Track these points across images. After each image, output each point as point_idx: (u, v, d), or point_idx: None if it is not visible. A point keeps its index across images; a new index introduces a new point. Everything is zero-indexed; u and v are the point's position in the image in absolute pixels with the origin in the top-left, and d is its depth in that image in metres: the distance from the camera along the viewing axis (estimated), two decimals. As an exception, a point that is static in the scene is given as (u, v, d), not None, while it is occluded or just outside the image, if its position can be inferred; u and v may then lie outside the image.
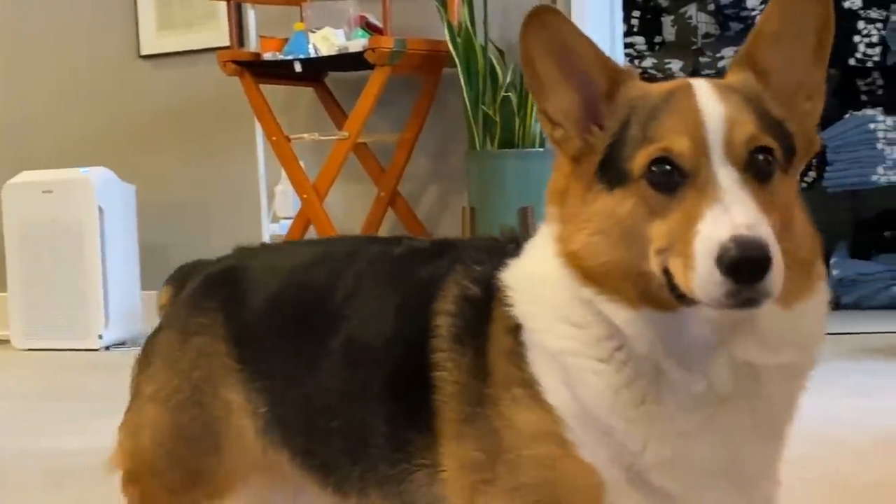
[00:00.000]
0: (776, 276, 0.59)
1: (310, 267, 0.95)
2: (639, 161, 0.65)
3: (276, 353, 0.92)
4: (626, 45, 3.59)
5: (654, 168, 0.64)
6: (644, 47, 3.91)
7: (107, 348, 3.30)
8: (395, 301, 0.83)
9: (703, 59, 3.79)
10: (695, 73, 3.82)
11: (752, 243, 0.57)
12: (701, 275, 0.59)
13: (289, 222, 3.28)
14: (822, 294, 0.69)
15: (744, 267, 0.57)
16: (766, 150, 0.64)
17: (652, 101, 0.67)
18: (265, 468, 0.92)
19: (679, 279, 0.61)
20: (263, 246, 1.22)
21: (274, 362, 0.92)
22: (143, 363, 1.00)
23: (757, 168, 0.63)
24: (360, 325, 0.84)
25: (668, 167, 0.63)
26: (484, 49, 2.98)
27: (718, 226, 0.59)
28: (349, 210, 3.40)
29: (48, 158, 3.66)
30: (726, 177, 0.62)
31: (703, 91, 0.65)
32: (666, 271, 0.63)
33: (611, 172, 0.67)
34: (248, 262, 1.00)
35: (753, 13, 3.60)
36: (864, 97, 3.67)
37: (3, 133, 4.01)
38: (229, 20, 3.41)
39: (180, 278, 1.04)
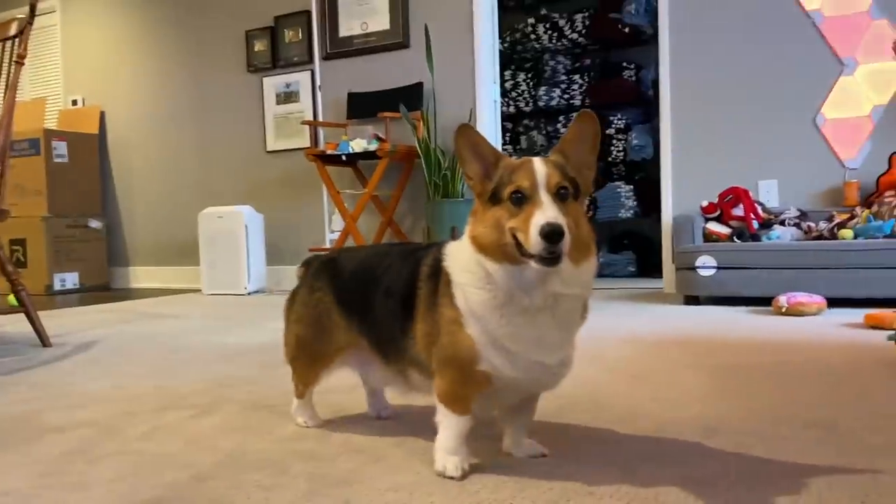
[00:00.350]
0: (566, 244, 1.05)
1: (368, 257, 1.45)
2: (506, 192, 1.11)
3: (355, 297, 1.41)
4: (503, 148, 5.25)
5: (513, 195, 1.11)
6: (511, 149, 5.82)
7: (249, 294, 4.92)
8: (405, 269, 1.31)
9: (538, 156, 5.98)
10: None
11: (553, 224, 1.04)
12: (532, 238, 1.05)
13: (338, 233, 4.86)
14: (593, 262, 1.17)
15: (550, 234, 1.04)
16: (564, 187, 1.11)
17: (513, 166, 1.14)
18: (351, 349, 1.44)
19: (523, 243, 1.07)
20: (345, 248, 1.60)
21: (354, 301, 1.41)
22: (289, 305, 1.53)
23: (559, 195, 1.11)
24: (390, 281, 1.34)
25: (519, 194, 1.10)
26: (434, 150, 4.40)
27: (540, 217, 1.06)
28: (368, 228, 4.87)
29: (223, 200, 5.47)
30: (545, 198, 1.09)
31: (536, 162, 1.13)
32: (516, 241, 1.08)
33: (494, 198, 1.13)
34: (340, 255, 1.51)
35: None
36: (615, 176, 5.64)
37: (200, 186, 5.75)
38: (310, 133, 5.21)
39: (307, 262, 1.55)
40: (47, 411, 1.78)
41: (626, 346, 2.44)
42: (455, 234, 4.28)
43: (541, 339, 1.15)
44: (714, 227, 3.73)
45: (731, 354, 2.25)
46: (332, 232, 5.12)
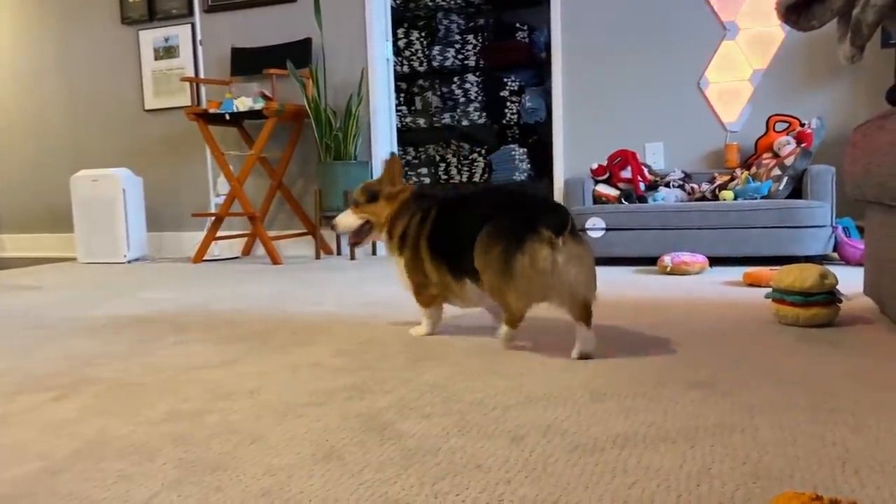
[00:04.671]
0: (339, 229, 2.06)
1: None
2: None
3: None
4: (397, 109, 5.26)
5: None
6: (406, 110, 5.82)
7: (129, 262, 4.64)
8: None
9: (434, 118, 5.85)
10: (431, 125, 5.75)
11: (335, 222, 2.07)
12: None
13: (223, 197, 4.65)
14: (385, 234, 2.02)
15: (331, 225, 2.09)
16: (356, 202, 2.05)
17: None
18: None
19: None
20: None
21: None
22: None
23: (353, 205, 2.07)
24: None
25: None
26: (324, 110, 4.29)
27: (339, 216, 2.09)
28: (256, 191, 4.73)
29: (97, 162, 5.17)
30: (349, 207, 2.09)
31: (359, 185, 2.08)
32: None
33: None
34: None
35: (459, 98, 5.78)
36: (509, 139, 5.72)
37: (71, 147, 5.37)
38: (192, 90, 4.94)
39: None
40: None
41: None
42: (348, 198, 4.22)
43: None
44: (603, 189, 3.79)
45: (619, 315, 2.28)
46: (217, 196, 4.90)
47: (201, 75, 4.98)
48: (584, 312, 1.69)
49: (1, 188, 5.69)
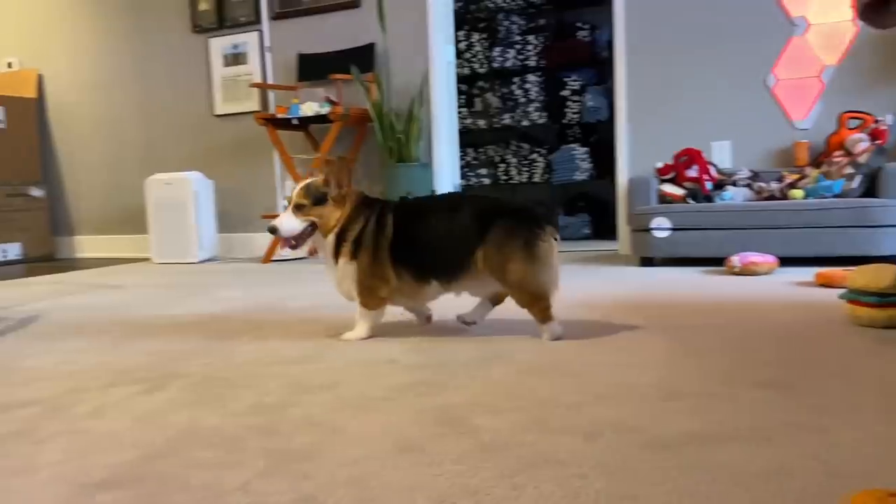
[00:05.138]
0: (281, 233, 1.97)
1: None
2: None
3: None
4: (458, 110, 5.16)
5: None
6: (466, 111, 5.84)
7: (200, 262, 4.77)
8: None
9: (493, 119, 5.86)
10: (490, 125, 5.83)
11: (270, 226, 1.99)
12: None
13: None
14: (332, 236, 1.97)
15: (268, 229, 2.02)
16: (300, 204, 1.97)
17: (296, 186, 2.06)
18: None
19: None
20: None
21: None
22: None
23: (295, 207, 1.98)
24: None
25: (287, 201, 2.03)
26: (387, 113, 4.30)
27: (278, 219, 1.99)
28: (321, 194, 5.35)
29: (170, 166, 5.31)
30: (287, 209, 2.00)
31: (299, 184, 2.01)
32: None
33: None
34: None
35: (519, 99, 5.80)
36: (570, 138, 5.68)
37: (145, 152, 5.55)
38: (260, 96, 5.06)
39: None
40: (-12, 390, 1.70)
41: (583, 310, 2.44)
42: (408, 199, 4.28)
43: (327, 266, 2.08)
44: (668, 188, 3.75)
45: (687, 316, 2.27)
46: (284, 198, 5.00)
47: (269, 81, 5.10)
48: (554, 301, 1.99)
49: (80, 192, 5.96)
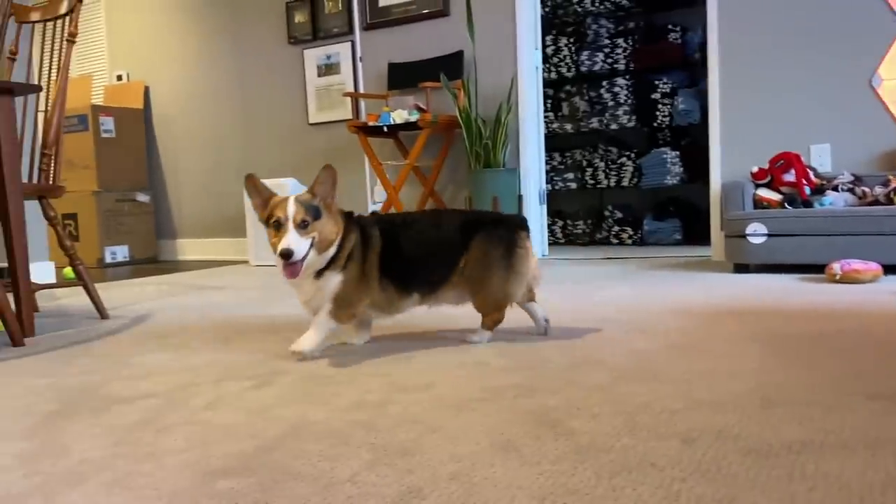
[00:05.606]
0: (297, 257, 1.76)
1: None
2: (271, 220, 1.81)
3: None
4: (544, 115, 5.27)
5: (274, 222, 1.80)
6: (552, 115, 5.85)
7: None
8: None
9: (580, 123, 5.82)
10: (577, 129, 5.80)
11: (285, 250, 1.75)
12: (276, 255, 1.78)
13: (380, 204, 4.95)
14: (332, 249, 1.85)
15: (282, 255, 1.76)
16: (304, 221, 1.78)
17: (276, 203, 1.82)
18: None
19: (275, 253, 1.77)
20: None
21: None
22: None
23: (300, 225, 1.78)
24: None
25: (277, 221, 1.79)
26: (475, 119, 4.38)
27: (283, 242, 1.76)
28: (409, 198, 4.89)
29: (267, 172, 5.42)
30: (290, 228, 1.77)
31: (290, 200, 1.80)
32: (279, 253, 1.75)
33: (267, 224, 1.82)
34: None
35: (608, 102, 5.73)
36: (660, 142, 5.60)
37: (243, 159, 5.78)
38: (352, 105, 5.24)
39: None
40: (112, 382, 1.84)
41: (677, 317, 2.41)
42: (496, 204, 4.31)
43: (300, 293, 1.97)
44: (764, 193, 3.65)
45: (787, 324, 2.22)
46: (374, 203, 5.16)
47: (360, 90, 5.25)
48: (532, 295, 2.16)
49: (182, 197, 6.27)
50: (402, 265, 1.98)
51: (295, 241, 1.79)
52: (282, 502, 1.05)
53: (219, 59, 5.95)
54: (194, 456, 1.27)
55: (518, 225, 2.06)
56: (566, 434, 1.29)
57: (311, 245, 1.84)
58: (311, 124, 5.53)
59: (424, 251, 2.01)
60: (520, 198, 4.65)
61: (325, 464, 1.20)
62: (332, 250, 1.88)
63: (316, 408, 1.52)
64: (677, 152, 5.40)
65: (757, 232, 3.42)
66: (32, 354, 2.26)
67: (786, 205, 3.59)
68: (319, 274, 1.91)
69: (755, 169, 3.75)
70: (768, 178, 3.69)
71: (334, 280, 1.91)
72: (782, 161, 3.67)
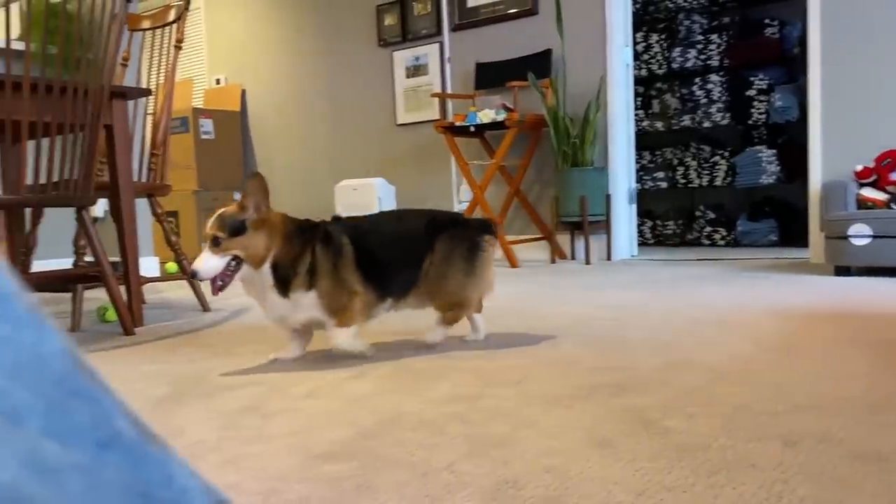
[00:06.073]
0: (202, 276, 1.73)
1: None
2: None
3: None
4: (636, 115, 5.16)
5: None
6: (642, 113, 5.72)
7: None
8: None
9: (671, 121, 5.69)
10: (668, 127, 5.65)
11: (191, 270, 1.75)
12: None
13: (465, 203, 5.00)
14: (268, 264, 1.79)
15: (190, 273, 1.77)
16: (216, 238, 1.73)
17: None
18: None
19: None
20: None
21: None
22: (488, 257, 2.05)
23: (213, 243, 1.74)
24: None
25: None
26: (563, 118, 4.39)
27: (197, 262, 1.75)
28: (495, 197, 4.89)
29: (356, 173, 5.70)
30: (204, 247, 1.76)
31: (213, 217, 1.76)
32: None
33: None
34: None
35: (700, 99, 5.55)
36: (755, 140, 5.39)
37: (334, 159, 6.00)
38: (440, 105, 5.25)
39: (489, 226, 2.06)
40: (216, 370, 1.94)
41: (776, 320, 2.34)
42: (584, 203, 4.34)
43: (261, 299, 1.89)
44: (869, 193, 3.49)
45: (892, 329, 2.12)
46: (460, 202, 5.19)
47: (448, 90, 5.30)
48: (480, 306, 2.18)
49: (275, 196, 6.41)
50: (376, 271, 1.93)
51: (203, 260, 1.77)
52: (383, 487, 1.09)
53: (311, 63, 6.11)
54: (298, 440, 1.33)
55: (483, 228, 2.04)
56: (661, 432, 1.28)
57: (233, 263, 1.80)
58: (399, 125, 5.62)
59: (395, 255, 1.98)
60: (608, 197, 4.60)
61: (422, 452, 1.23)
62: (266, 265, 1.82)
63: (410, 399, 1.57)
64: (774, 150, 5.21)
65: (860, 233, 3.27)
66: (142, 343, 2.41)
67: (892, 205, 3.42)
68: (285, 290, 1.85)
69: (859, 168, 3.59)
70: (873, 178, 3.53)
71: (308, 299, 1.85)
72: (889, 160, 3.50)
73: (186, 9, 3.02)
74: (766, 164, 5.18)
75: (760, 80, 5.29)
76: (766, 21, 5.34)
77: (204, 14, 6.84)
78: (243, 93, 6.60)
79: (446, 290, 2.02)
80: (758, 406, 1.42)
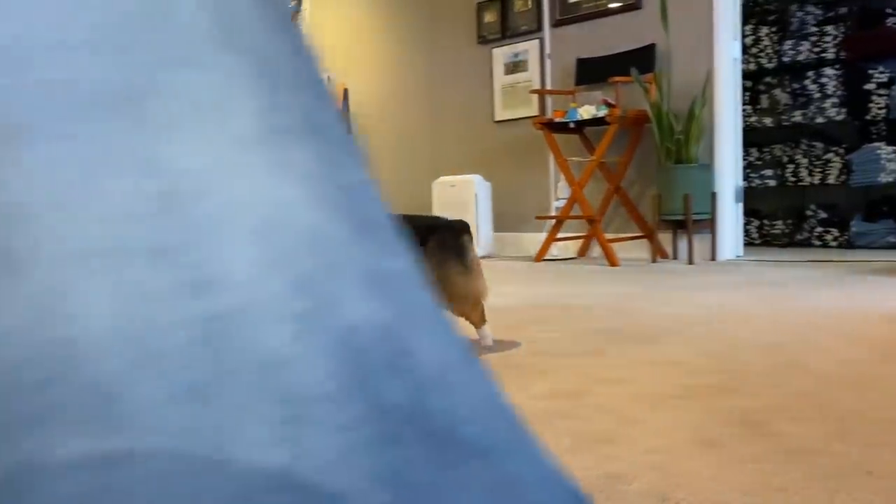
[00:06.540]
0: None
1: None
2: None
3: None
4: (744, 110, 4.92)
5: None
6: (750, 109, 5.48)
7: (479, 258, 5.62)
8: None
9: (781, 117, 5.43)
10: (778, 123, 5.40)
11: None
12: None
13: (563, 200, 4.82)
14: None
15: None
16: None
17: None
18: None
19: None
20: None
21: None
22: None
23: None
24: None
25: None
26: (666, 114, 4.26)
27: None
28: (593, 195, 4.83)
29: (453, 169, 5.79)
30: None
31: None
32: None
33: None
34: None
35: (813, 94, 5.26)
36: (874, 136, 5.08)
37: (431, 156, 6.08)
38: (538, 101, 5.33)
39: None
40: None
41: (892, 326, 2.23)
42: (688, 201, 4.23)
43: None
44: None
45: None
46: (557, 199, 5.14)
47: (547, 87, 5.26)
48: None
49: (376, 192, 6.65)
50: None
51: None
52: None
53: (411, 61, 6.21)
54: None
55: (463, 229, 2.03)
56: (770, 435, 1.26)
57: None
58: (497, 122, 5.63)
59: None
60: (713, 195, 4.47)
61: (527, 444, 1.26)
62: None
63: (513, 393, 1.60)
64: (894, 147, 4.93)
65: None
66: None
67: None
68: None
69: None
70: None
71: None
72: None
73: (298, 11, 3.14)
74: (885, 161, 4.90)
75: (881, 73, 5.00)
76: (889, 10, 5.04)
77: (307, 15, 7.07)
78: (345, 91, 6.78)
79: (457, 294, 2.01)
80: (872, 413, 1.37)
